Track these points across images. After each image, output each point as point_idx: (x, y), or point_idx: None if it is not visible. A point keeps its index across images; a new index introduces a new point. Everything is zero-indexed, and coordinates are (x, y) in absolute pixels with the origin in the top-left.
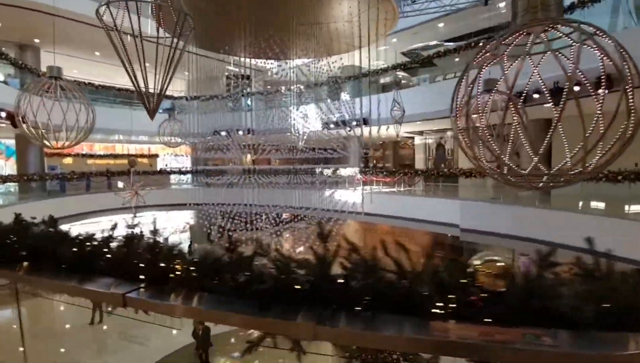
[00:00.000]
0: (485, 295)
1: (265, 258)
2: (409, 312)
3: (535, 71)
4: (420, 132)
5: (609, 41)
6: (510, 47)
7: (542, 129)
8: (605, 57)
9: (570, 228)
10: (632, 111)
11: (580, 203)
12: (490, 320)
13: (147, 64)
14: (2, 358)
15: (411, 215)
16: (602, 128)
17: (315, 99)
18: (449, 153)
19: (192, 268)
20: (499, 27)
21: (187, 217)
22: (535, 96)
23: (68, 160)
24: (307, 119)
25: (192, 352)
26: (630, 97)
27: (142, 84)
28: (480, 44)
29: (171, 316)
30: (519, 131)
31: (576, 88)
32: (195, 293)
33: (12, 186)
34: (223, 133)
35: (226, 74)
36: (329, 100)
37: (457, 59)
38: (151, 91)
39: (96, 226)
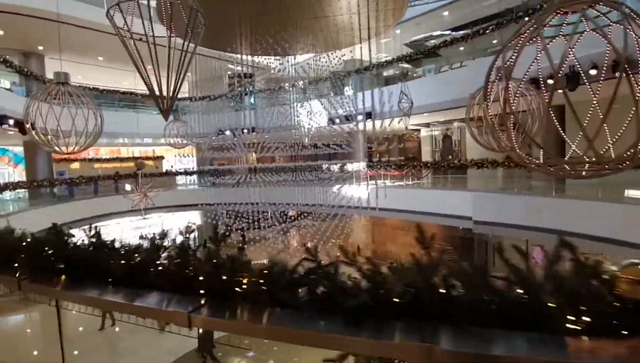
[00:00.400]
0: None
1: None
2: (526, 327)
3: (571, 52)
4: (427, 124)
5: None
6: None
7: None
8: None
9: (587, 217)
10: None
11: (599, 191)
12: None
13: (158, 65)
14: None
15: (421, 208)
16: None
17: (319, 94)
18: (456, 144)
19: (261, 280)
20: (504, 13)
21: (192, 218)
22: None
23: (75, 165)
24: (312, 115)
25: (195, 354)
26: None
27: (155, 86)
28: (488, 31)
29: (240, 335)
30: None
31: (593, 72)
32: (266, 308)
33: (22, 193)
34: (227, 133)
35: (228, 73)
36: (332, 95)
37: (461, 48)
38: (164, 92)
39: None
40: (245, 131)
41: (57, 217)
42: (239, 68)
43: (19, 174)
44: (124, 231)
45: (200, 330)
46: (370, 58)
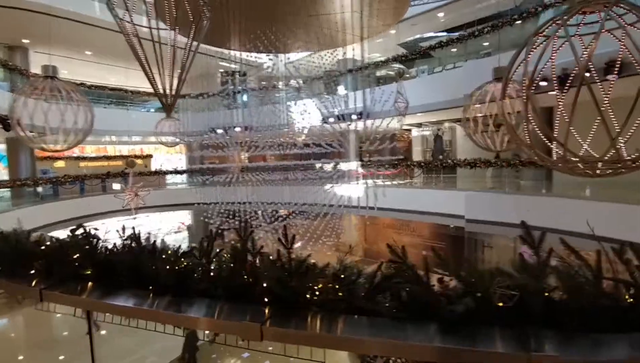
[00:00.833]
0: None
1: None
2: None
3: (584, 52)
4: (419, 124)
5: None
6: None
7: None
8: None
9: (575, 214)
10: None
11: (587, 190)
12: None
13: (162, 59)
14: None
15: (414, 207)
16: None
17: (313, 93)
18: (447, 144)
19: (336, 286)
20: (497, 16)
21: (182, 217)
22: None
23: (60, 163)
24: (306, 114)
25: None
26: None
27: (158, 81)
28: (482, 33)
29: (314, 347)
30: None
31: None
32: (341, 317)
33: (2, 192)
34: (220, 131)
35: (221, 70)
36: (325, 94)
37: (454, 50)
38: (167, 87)
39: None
40: (238, 129)
41: (42, 218)
42: (232, 66)
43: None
44: (110, 231)
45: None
46: (363, 57)
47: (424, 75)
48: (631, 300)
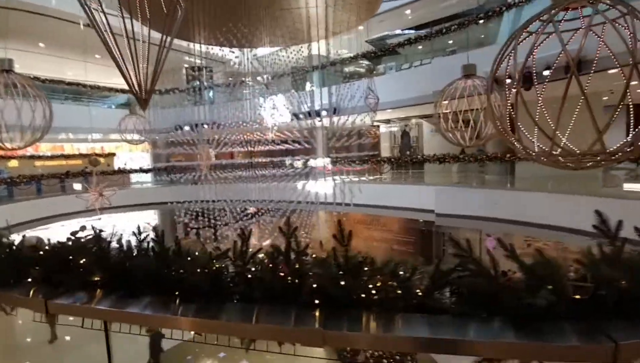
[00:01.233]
0: None
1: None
2: None
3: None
4: (387, 121)
5: None
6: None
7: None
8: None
9: (537, 206)
10: None
11: (549, 184)
12: None
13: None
14: None
15: (385, 203)
16: None
17: (281, 89)
18: (414, 140)
19: (395, 283)
20: (463, 14)
21: (147, 217)
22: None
23: (14, 163)
24: (275, 111)
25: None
26: None
27: (131, 72)
28: (449, 30)
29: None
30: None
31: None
32: (400, 315)
33: None
34: (186, 128)
35: (185, 66)
36: (293, 91)
37: (420, 47)
38: (141, 79)
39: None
40: (206, 126)
41: None
42: (197, 61)
43: None
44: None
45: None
46: (327, 53)
47: (391, 72)
48: None
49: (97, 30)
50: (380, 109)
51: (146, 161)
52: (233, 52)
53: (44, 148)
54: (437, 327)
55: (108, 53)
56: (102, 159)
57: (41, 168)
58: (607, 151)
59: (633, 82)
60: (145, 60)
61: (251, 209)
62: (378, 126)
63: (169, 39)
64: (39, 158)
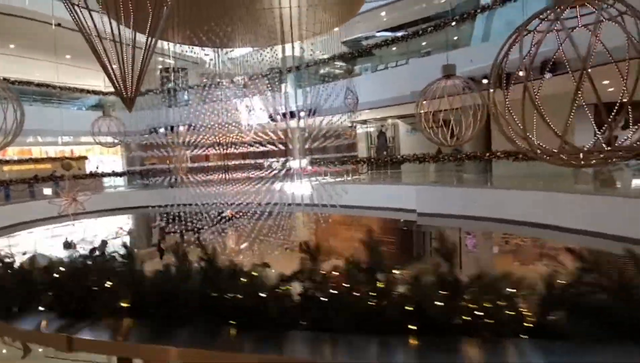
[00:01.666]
0: None
1: None
2: None
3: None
4: (363, 121)
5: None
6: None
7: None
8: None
9: (514, 204)
10: None
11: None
12: None
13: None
14: None
15: (365, 203)
16: None
17: (258, 91)
18: (390, 140)
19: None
20: (437, 16)
21: (120, 222)
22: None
23: None
24: (252, 112)
25: None
26: None
27: (116, 69)
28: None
29: None
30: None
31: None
32: (505, 341)
33: None
34: (161, 130)
35: (159, 67)
36: (270, 92)
37: (394, 48)
38: (126, 77)
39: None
40: (182, 128)
41: None
42: (171, 62)
43: None
44: (38, 241)
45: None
46: (302, 54)
47: (367, 72)
48: None
49: (82, 31)
50: (358, 110)
51: (118, 165)
52: (207, 54)
53: (11, 151)
54: (560, 357)
55: (93, 54)
56: (74, 163)
57: (8, 173)
58: (610, 148)
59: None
60: (131, 60)
61: (227, 213)
62: (355, 127)
63: (153, 37)
64: (7, 162)
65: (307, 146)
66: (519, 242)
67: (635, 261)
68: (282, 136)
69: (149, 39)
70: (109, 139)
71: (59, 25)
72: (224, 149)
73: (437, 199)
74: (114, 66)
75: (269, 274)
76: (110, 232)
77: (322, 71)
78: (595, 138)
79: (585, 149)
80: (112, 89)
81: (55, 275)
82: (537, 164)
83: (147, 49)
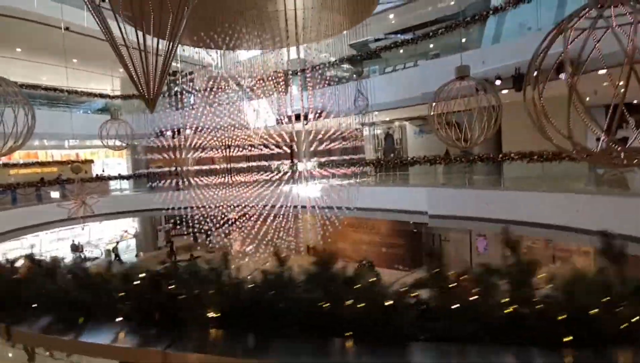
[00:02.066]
0: None
1: None
2: None
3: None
4: (371, 123)
5: None
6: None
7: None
8: None
9: (528, 205)
10: None
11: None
12: None
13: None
14: None
15: (375, 206)
16: None
17: (265, 93)
18: (398, 142)
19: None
20: (445, 19)
21: (124, 225)
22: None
23: None
24: (259, 115)
25: None
26: None
27: (139, 70)
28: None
29: None
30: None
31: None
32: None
33: None
34: (168, 133)
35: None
36: (278, 94)
37: (401, 51)
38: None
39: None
40: (188, 131)
41: None
42: (178, 65)
43: None
44: (44, 245)
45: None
46: (310, 56)
47: (375, 75)
48: None
49: (104, 32)
50: (368, 112)
51: (122, 168)
52: (211, 55)
53: (17, 155)
54: None
55: (116, 56)
56: (83, 166)
57: (14, 177)
58: None
59: None
60: (153, 62)
61: (232, 215)
62: (362, 129)
63: (175, 39)
64: (13, 165)
65: (314, 149)
66: (529, 244)
67: None
68: (290, 139)
69: (170, 42)
70: (117, 142)
71: (67, 29)
72: (231, 152)
73: (448, 201)
74: (132, 67)
75: (385, 280)
76: (115, 235)
77: (329, 73)
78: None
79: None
80: (119, 93)
81: (135, 283)
82: (547, 166)
83: (169, 50)
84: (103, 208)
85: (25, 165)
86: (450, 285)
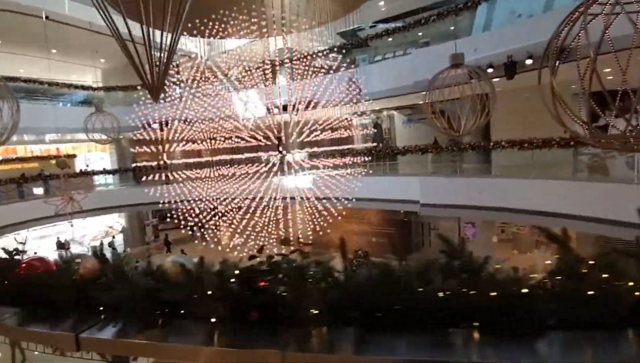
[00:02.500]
0: None
1: None
2: None
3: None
4: (360, 113)
5: None
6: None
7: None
8: None
9: (518, 192)
10: None
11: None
12: None
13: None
14: None
15: (366, 195)
16: None
17: (253, 84)
18: (386, 132)
19: None
20: (436, 5)
21: (109, 221)
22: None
23: None
24: (248, 105)
25: None
26: None
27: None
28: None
29: None
30: None
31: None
32: None
33: None
34: (155, 126)
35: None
36: (266, 84)
37: (390, 39)
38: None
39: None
40: (176, 123)
41: None
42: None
43: None
44: (27, 243)
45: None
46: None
47: (364, 63)
48: None
49: (109, 25)
50: (357, 101)
51: (106, 162)
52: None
53: None
54: None
55: (118, 44)
56: (69, 161)
57: None
58: None
59: None
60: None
61: (220, 208)
62: (348, 119)
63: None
64: None
65: (304, 139)
66: (515, 231)
67: None
68: (279, 129)
69: (175, 26)
70: (103, 136)
71: (47, 18)
72: (219, 144)
73: (440, 189)
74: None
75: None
76: (100, 231)
77: (317, 63)
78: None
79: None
80: (101, 85)
81: (233, 281)
82: (535, 154)
83: (173, 37)
84: (88, 204)
85: (5, 161)
86: (583, 271)
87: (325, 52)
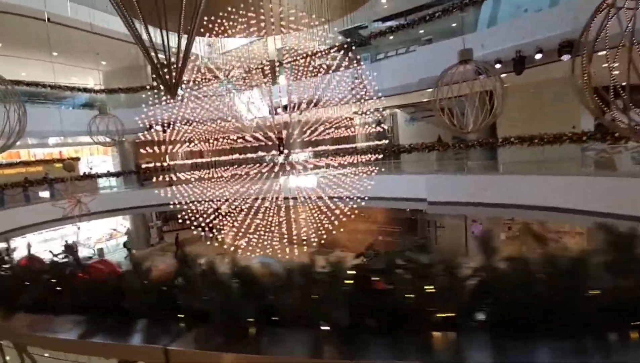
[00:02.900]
0: None
1: None
2: None
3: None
4: (364, 112)
5: None
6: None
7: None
8: None
9: (526, 189)
10: None
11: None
12: None
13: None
14: None
15: (374, 194)
16: None
17: (255, 83)
18: (389, 131)
19: None
20: (441, 2)
21: (113, 223)
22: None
23: None
24: (251, 106)
25: None
26: None
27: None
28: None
29: None
30: None
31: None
32: None
33: None
34: (158, 127)
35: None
36: (269, 84)
37: (391, 37)
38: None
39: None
40: (178, 124)
41: None
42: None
43: None
44: (32, 245)
45: None
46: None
47: (367, 62)
48: None
49: (121, 16)
50: (361, 100)
51: (108, 165)
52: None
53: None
54: None
55: (135, 42)
56: (75, 164)
57: None
58: None
59: None
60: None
61: (223, 209)
62: (351, 118)
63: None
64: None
65: (307, 138)
66: (522, 227)
67: None
68: (282, 129)
69: (192, 25)
70: (107, 138)
71: (49, 20)
72: (221, 145)
73: (447, 187)
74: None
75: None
76: (104, 234)
77: (318, 62)
78: None
79: None
80: (103, 87)
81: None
82: (543, 149)
83: (190, 34)
84: (93, 207)
85: (10, 165)
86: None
87: (326, 52)
